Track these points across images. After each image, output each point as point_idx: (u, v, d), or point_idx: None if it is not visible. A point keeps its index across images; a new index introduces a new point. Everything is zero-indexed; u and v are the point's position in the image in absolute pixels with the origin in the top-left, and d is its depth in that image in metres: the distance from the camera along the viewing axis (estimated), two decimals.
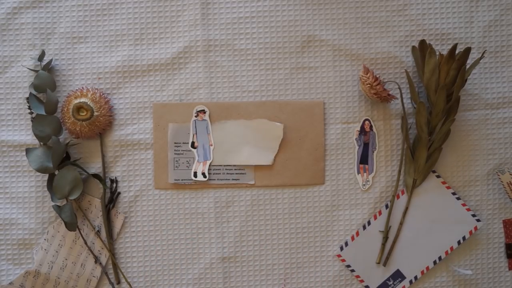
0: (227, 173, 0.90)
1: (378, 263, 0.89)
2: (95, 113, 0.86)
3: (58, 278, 0.88)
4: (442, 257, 0.90)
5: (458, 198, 0.90)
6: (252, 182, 0.90)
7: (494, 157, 0.91)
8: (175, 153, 0.90)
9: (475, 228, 0.89)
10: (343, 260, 0.90)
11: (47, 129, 0.85)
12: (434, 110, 0.85)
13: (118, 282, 0.90)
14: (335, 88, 0.91)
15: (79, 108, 0.86)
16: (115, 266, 0.89)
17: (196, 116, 0.90)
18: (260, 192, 0.91)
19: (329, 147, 0.91)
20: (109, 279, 0.89)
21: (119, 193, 0.90)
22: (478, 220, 0.90)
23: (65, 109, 0.87)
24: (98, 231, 0.89)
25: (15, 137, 0.90)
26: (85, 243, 0.88)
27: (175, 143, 0.90)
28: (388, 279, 0.90)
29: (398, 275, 0.90)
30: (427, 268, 0.90)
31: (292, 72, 0.91)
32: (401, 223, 0.90)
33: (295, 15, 0.91)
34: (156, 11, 0.90)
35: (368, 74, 0.85)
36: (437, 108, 0.85)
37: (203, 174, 0.89)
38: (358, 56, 0.91)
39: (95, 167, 0.90)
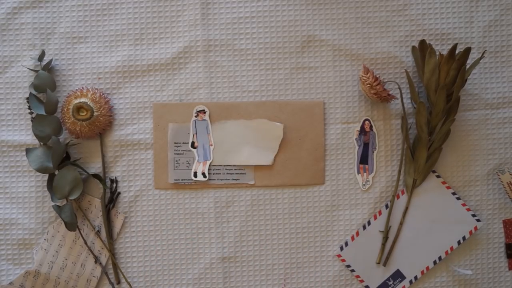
0: (227, 173, 0.90)
1: (378, 263, 0.90)
2: (95, 113, 0.86)
3: (58, 278, 0.88)
4: (442, 257, 0.90)
5: (458, 198, 0.90)
6: (252, 182, 0.90)
7: (494, 157, 0.91)
8: (175, 153, 0.90)
9: (475, 228, 0.89)
10: (343, 260, 0.90)
11: (47, 129, 0.85)
12: (434, 110, 0.85)
13: (118, 282, 0.90)
14: (335, 88, 0.91)
15: (79, 108, 0.86)
16: (115, 266, 0.89)
17: (196, 116, 0.90)
18: (260, 192, 0.91)
19: (329, 147, 0.91)
20: (109, 279, 0.89)
21: (119, 193, 0.90)
22: (478, 220, 0.90)
23: (65, 109, 0.87)
24: (98, 231, 0.89)
25: (15, 137, 0.90)
26: (85, 243, 0.88)
27: (175, 143, 0.90)
28: (388, 279, 0.90)
29: (398, 275, 0.90)
30: (427, 268, 0.90)
31: (292, 72, 0.91)
32: (401, 223, 0.90)
33: (295, 15, 0.91)
34: (156, 11, 0.90)
35: (368, 74, 0.85)
36: (437, 108, 0.85)
37: (203, 174, 0.89)
38: (358, 56, 0.91)
39: (95, 167, 0.90)
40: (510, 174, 0.89)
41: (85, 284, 0.88)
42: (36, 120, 0.85)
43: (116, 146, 0.90)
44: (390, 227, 0.90)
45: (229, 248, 0.90)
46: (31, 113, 0.89)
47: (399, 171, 0.90)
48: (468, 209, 0.90)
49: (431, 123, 0.86)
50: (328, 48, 0.91)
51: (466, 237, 0.90)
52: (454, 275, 0.91)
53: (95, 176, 0.88)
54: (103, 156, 0.89)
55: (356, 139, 0.91)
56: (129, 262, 0.90)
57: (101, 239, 0.89)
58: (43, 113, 0.85)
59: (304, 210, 0.91)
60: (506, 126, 0.91)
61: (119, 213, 0.90)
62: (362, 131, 0.91)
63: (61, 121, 0.87)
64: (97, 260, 0.89)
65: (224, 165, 0.90)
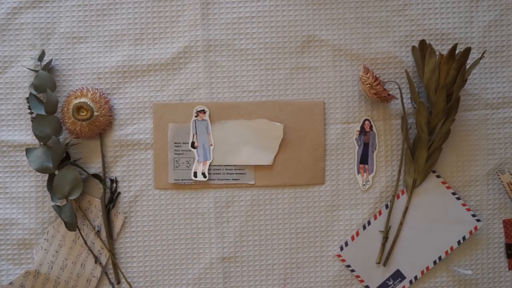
0: (227, 173, 0.90)
1: (378, 263, 0.90)
2: (95, 113, 0.86)
3: (58, 278, 0.88)
4: (442, 257, 0.90)
5: (458, 198, 0.90)
6: (252, 182, 0.90)
7: (494, 157, 0.91)
8: (175, 153, 0.90)
9: (475, 228, 0.89)
10: (343, 260, 0.90)
11: (47, 129, 0.85)
12: (434, 110, 0.85)
13: (118, 282, 0.90)
14: (335, 88, 0.91)
15: (79, 108, 0.86)
16: (115, 266, 0.89)
17: (196, 116, 0.90)
18: (260, 192, 0.91)
19: (329, 147, 0.91)
20: (109, 279, 0.89)
21: (119, 193, 0.90)
22: (478, 220, 0.90)
23: (65, 109, 0.87)
24: (98, 231, 0.89)
25: (15, 137, 0.90)
26: (85, 243, 0.88)
27: (175, 143, 0.90)
28: (388, 279, 0.90)
29: (398, 275, 0.90)
30: (427, 268, 0.90)
31: (292, 72, 0.91)
32: (401, 223, 0.90)
33: (295, 15, 0.91)
34: (156, 11, 0.90)
35: (368, 74, 0.85)
36: (437, 108, 0.85)
37: (203, 174, 0.90)
38: (358, 56, 0.91)
39: (95, 167, 0.90)
40: (510, 174, 0.89)
41: (85, 284, 0.88)
42: (36, 120, 0.85)
43: (116, 146, 0.90)
44: (390, 227, 0.90)
45: (229, 248, 0.90)
46: (31, 113, 0.89)
47: (399, 171, 0.90)
48: (468, 209, 0.90)
49: (431, 123, 0.86)
50: (328, 48, 0.91)
51: (466, 237, 0.90)
52: (454, 275, 0.91)
53: (95, 176, 0.88)
54: (103, 156, 0.89)
55: (356, 139, 0.91)
56: (129, 262, 0.90)
57: (101, 239, 0.89)
58: (43, 113, 0.85)
59: (304, 210, 0.91)
60: (506, 126, 0.91)
61: (119, 213, 0.90)
62: (362, 131, 0.91)
63: (61, 121, 0.87)
64: (97, 260, 0.89)
65: (224, 165, 0.90)
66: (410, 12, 0.91)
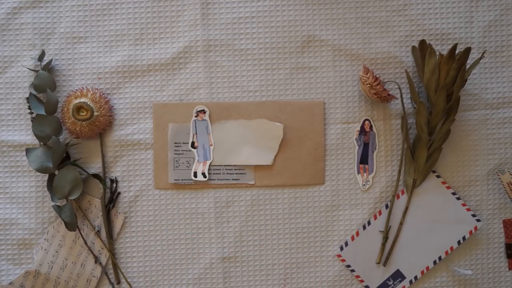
0: (227, 173, 0.90)
1: (378, 263, 0.90)
2: (95, 113, 0.86)
3: (58, 278, 0.88)
4: (442, 257, 0.90)
5: (458, 198, 0.90)
6: (252, 182, 0.90)
7: (494, 157, 0.91)
8: (175, 153, 0.90)
9: (475, 228, 0.89)
10: (343, 260, 0.90)
11: (47, 129, 0.85)
12: (434, 110, 0.85)
13: (118, 282, 0.90)
14: (335, 88, 0.91)
15: (79, 108, 0.86)
16: (115, 266, 0.89)
17: (196, 116, 0.90)
18: (260, 192, 0.91)
19: (329, 147, 0.91)
20: (109, 279, 0.89)
21: (119, 193, 0.90)
22: (478, 220, 0.90)
23: (65, 109, 0.87)
24: (98, 231, 0.89)
25: (15, 137, 0.90)
26: (85, 243, 0.88)
27: (175, 143, 0.90)
28: (388, 279, 0.90)
29: (398, 275, 0.90)
30: (427, 268, 0.90)
31: (292, 72, 0.91)
32: (401, 223, 0.90)
33: (295, 15, 0.91)
34: (156, 11, 0.90)
35: (368, 74, 0.85)
36: (437, 108, 0.85)
37: (203, 174, 0.89)
38: (358, 56, 0.91)
39: (95, 167, 0.90)
40: (510, 174, 0.89)
41: (85, 284, 0.88)
42: (36, 120, 0.85)
43: (116, 146, 0.90)
44: (390, 227, 0.90)
45: (229, 248, 0.90)
46: (31, 113, 0.89)
47: (399, 171, 0.90)
48: (468, 209, 0.90)
49: (431, 123, 0.86)
50: (328, 48, 0.91)
51: (466, 237, 0.90)
52: (454, 275, 0.91)
53: (95, 176, 0.88)
54: (103, 156, 0.89)
55: (356, 139, 0.91)
56: (129, 262, 0.90)
57: (101, 239, 0.89)
58: (43, 113, 0.85)
59: (304, 210, 0.91)
60: (506, 126, 0.91)
61: (119, 213, 0.90)
62: (362, 131, 0.91)
63: (61, 121, 0.87)
64: (97, 260, 0.89)
65: (224, 165, 0.90)
66: (410, 12, 0.91)
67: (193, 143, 0.90)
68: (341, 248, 0.90)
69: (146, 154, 0.90)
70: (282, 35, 0.91)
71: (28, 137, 0.89)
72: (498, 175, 0.90)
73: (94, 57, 0.90)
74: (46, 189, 0.88)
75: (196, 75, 0.91)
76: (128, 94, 0.90)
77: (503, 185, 0.90)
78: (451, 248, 0.90)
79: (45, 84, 0.86)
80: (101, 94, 0.88)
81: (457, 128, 0.91)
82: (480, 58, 0.85)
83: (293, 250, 0.91)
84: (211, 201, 0.90)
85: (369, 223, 0.90)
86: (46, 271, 0.88)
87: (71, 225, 0.85)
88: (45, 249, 0.89)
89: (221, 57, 0.91)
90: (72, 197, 0.86)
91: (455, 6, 0.91)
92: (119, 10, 0.91)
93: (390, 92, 0.88)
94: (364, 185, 0.91)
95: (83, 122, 0.86)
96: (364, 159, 0.91)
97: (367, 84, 0.85)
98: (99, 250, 0.89)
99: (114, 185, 0.90)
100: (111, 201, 0.89)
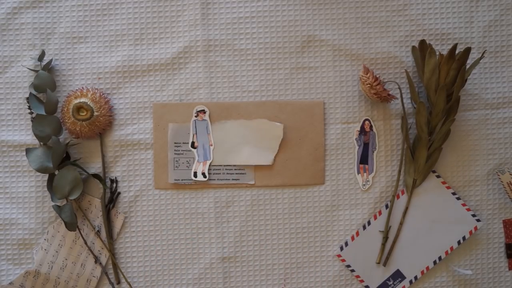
0: (227, 173, 0.90)
1: (378, 263, 0.89)
2: (95, 113, 0.86)
3: (58, 278, 0.88)
4: (442, 257, 0.90)
5: (458, 198, 0.90)
6: (252, 182, 0.90)
7: (494, 157, 0.91)
8: (175, 153, 0.90)
9: (475, 228, 0.89)
10: (343, 260, 0.90)
11: (47, 129, 0.85)
12: (434, 110, 0.85)
13: (118, 282, 0.90)
14: (335, 88, 0.91)
15: (79, 108, 0.86)
16: (115, 266, 0.89)
17: (196, 116, 0.90)
18: (260, 192, 0.91)
19: (329, 147, 0.91)
20: (109, 279, 0.89)
21: (119, 193, 0.90)
22: (478, 220, 0.90)
23: (65, 109, 0.87)
24: (98, 231, 0.89)
25: (15, 137, 0.90)
26: (85, 243, 0.88)
27: (175, 143, 0.90)
28: (388, 279, 0.90)
29: (398, 275, 0.90)
30: (427, 268, 0.90)
31: (292, 72, 0.91)
32: (401, 223, 0.90)
33: (295, 15, 0.91)
34: (156, 11, 0.90)
35: (368, 74, 0.85)
36: (437, 108, 0.85)
37: (203, 174, 0.89)
38: (358, 56, 0.91)
39: (95, 167, 0.90)
40: (510, 174, 0.89)
41: (85, 284, 0.88)
42: (36, 120, 0.85)
43: (116, 146, 0.90)
44: (390, 227, 0.90)
45: (229, 248, 0.90)
46: (31, 113, 0.89)
47: (399, 171, 0.90)
48: (468, 209, 0.90)
49: (431, 123, 0.86)
50: (328, 48, 0.91)
51: (466, 237, 0.90)
52: (454, 275, 0.91)
53: (95, 176, 0.88)
54: (103, 156, 0.89)
55: (356, 139, 0.91)
56: (129, 262, 0.90)
57: (101, 239, 0.89)
58: (43, 113, 0.85)
59: (304, 210, 0.91)
60: (506, 126, 0.91)
61: (119, 213, 0.90)
62: (362, 131, 0.91)
63: (61, 121, 0.87)
64: (97, 260, 0.89)
65: (224, 165, 0.90)
66: (410, 12, 0.91)
67: (193, 143, 0.90)
68: (341, 248, 0.90)
69: (146, 154, 0.90)
70: (282, 35, 0.91)
71: (28, 137, 0.89)
72: (498, 175, 0.90)
73: (94, 57, 0.90)
74: (46, 189, 0.88)
75: (196, 75, 0.91)
76: (128, 94, 0.90)
77: (503, 185, 0.90)
78: (451, 248, 0.90)
79: (45, 84, 0.86)
80: (101, 94, 0.88)
81: (457, 128, 0.91)
82: (480, 58, 0.85)
83: (293, 250, 0.91)
84: (211, 201, 0.90)
85: (369, 223, 0.90)
86: (46, 271, 0.88)
87: (71, 225, 0.85)
88: (45, 249, 0.89)
89: (221, 57, 0.91)
90: (72, 197, 0.86)
91: (455, 6, 0.91)
92: (119, 10, 0.91)
93: (390, 92, 0.88)
94: (364, 185, 0.91)
95: (83, 122, 0.86)
96: (364, 159, 0.91)
97: (367, 84, 0.85)
98: (99, 250, 0.89)
99: (114, 185, 0.90)
100: (111, 201, 0.89)
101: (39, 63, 0.88)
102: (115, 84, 0.90)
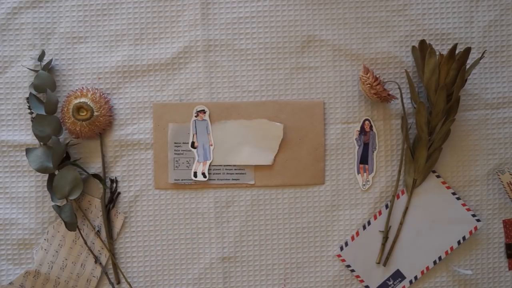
0: (227, 173, 0.90)
1: (378, 263, 0.90)
2: (95, 113, 0.86)
3: (58, 278, 0.88)
4: (442, 257, 0.90)
5: (458, 198, 0.90)
6: (252, 182, 0.90)
7: (494, 157, 0.91)
8: (175, 153, 0.90)
9: (475, 228, 0.89)
10: (343, 260, 0.90)
11: (47, 129, 0.85)
12: (434, 110, 0.85)
13: (118, 282, 0.90)
14: (335, 88, 0.91)
15: (79, 108, 0.86)
16: (115, 266, 0.89)
17: (196, 116, 0.90)
18: (260, 192, 0.91)
19: (329, 147, 0.91)
20: (109, 279, 0.89)
21: (119, 193, 0.90)
22: (478, 220, 0.90)
23: (65, 109, 0.87)
24: (98, 231, 0.89)
25: (15, 137, 0.90)
26: (85, 243, 0.88)
27: (175, 143, 0.90)
28: (388, 279, 0.90)
29: (398, 275, 0.90)
30: (427, 268, 0.90)
31: (292, 72, 0.91)
32: (401, 223, 0.90)
33: (295, 15, 0.91)
34: (156, 11, 0.91)
35: (368, 74, 0.85)
36: (437, 108, 0.85)
37: (203, 174, 0.90)
38: (358, 56, 0.91)
39: (95, 167, 0.90)
40: (510, 174, 0.89)
41: (85, 284, 0.88)
42: (36, 120, 0.85)
43: (116, 146, 0.90)
44: (390, 227, 0.90)
45: (229, 248, 0.90)
46: (31, 113, 0.89)
47: (399, 171, 0.90)
48: (468, 209, 0.90)
49: (431, 123, 0.86)
50: (328, 48, 0.91)
51: (466, 237, 0.90)
52: (454, 275, 0.91)
53: (95, 176, 0.88)
54: (103, 156, 0.89)
55: (356, 139, 0.91)
56: (129, 262, 0.90)
57: (101, 239, 0.89)
58: (43, 113, 0.85)
59: (304, 210, 0.91)
60: (506, 126, 0.91)
61: (119, 213, 0.90)
62: (362, 131, 0.91)
63: (61, 121, 0.87)
64: (97, 260, 0.89)
65: (224, 165, 0.90)
66: (410, 12, 0.91)
67: (193, 143, 0.90)
68: (341, 248, 0.90)
69: (146, 154, 0.90)
70: (282, 35, 0.91)
71: (28, 137, 0.89)
72: (498, 175, 0.90)
73: (94, 57, 0.90)
74: (46, 189, 0.88)
75: (196, 75, 0.91)
76: (128, 94, 0.90)
77: (503, 185, 0.90)
78: (451, 248, 0.90)
79: (45, 84, 0.86)
80: (101, 94, 0.88)
81: (457, 128, 0.91)
82: (480, 58, 0.85)
83: (293, 250, 0.91)
84: (211, 201, 0.90)
85: (369, 223, 0.90)
86: (46, 271, 0.88)
87: (71, 225, 0.85)
88: (45, 249, 0.89)
89: (221, 57, 0.91)
90: (72, 197, 0.86)
91: (455, 6, 0.91)
92: (119, 10, 0.91)
93: (390, 92, 0.88)
94: (364, 185, 0.91)
95: (83, 122, 0.86)
96: (364, 159, 0.91)
97: (367, 84, 0.85)
98: (99, 250, 0.89)
99: (114, 185, 0.90)
100: (111, 201, 0.89)
101: (39, 63, 0.88)
102: (115, 84, 0.90)
